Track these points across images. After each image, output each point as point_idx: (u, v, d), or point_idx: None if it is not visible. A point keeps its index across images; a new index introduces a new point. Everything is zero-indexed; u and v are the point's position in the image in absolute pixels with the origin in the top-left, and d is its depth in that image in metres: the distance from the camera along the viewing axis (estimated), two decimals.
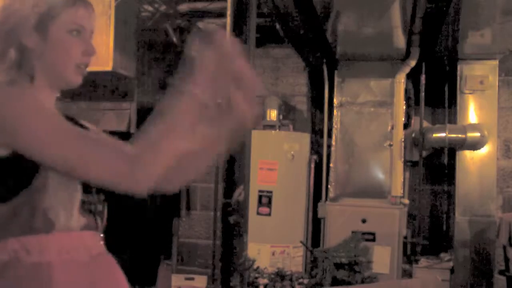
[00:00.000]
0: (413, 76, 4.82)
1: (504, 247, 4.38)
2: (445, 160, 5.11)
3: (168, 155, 1.15)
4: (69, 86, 1.37)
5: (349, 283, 3.62)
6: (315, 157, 4.90)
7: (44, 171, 1.18)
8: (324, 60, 4.87)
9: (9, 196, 1.17)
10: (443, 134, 4.75)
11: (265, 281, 3.89)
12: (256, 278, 3.87)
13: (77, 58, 1.32)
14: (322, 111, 5.02)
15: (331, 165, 4.86)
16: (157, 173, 1.15)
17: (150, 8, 4.56)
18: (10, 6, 1.28)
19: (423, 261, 4.67)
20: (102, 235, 1.40)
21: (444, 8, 3.74)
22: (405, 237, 4.70)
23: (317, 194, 4.85)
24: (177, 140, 1.15)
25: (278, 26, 4.15)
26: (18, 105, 1.18)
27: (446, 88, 5.05)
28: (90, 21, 1.34)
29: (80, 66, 1.33)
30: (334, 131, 4.88)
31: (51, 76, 1.32)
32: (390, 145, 4.74)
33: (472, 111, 4.80)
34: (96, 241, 1.35)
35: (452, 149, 4.86)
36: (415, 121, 4.94)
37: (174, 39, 4.90)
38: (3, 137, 1.16)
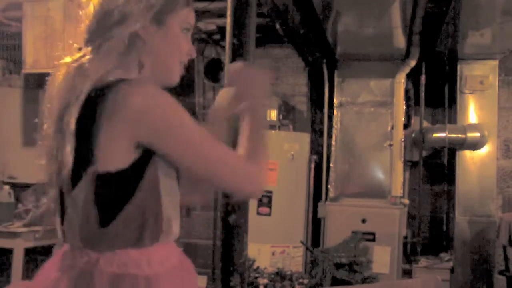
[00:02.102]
0: (413, 76, 4.82)
1: (504, 247, 4.38)
2: (445, 160, 5.11)
3: (266, 166, 1.37)
4: (169, 83, 1.32)
5: (349, 283, 3.62)
6: (315, 157, 4.90)
7: (151, 181, 1.17)
8: (324, 60, 4.87)
9: (118, 209, 1.15)
10: (443, 134, 4.75)
11: (265, 281, 3.89)
12: (256, 278, 3.86)
13: (183, 56, 1.31)
14: (322, 111, 5.02)
15: (331, 165, 4.86)
16: (264, 181, 1.33)
17: None
18: None
19: (423, 261, 4.67)
20: None
21: (444, 8, 3.74)
22: (405, 237, 4.70)
23: (317, 194, 4.85)
24: (265, 151, 1.39)
25: (278, 26, 4.15)
26: (168, 106, 1.17)
27: (446, 88, 5.05)
28: (194, 21, 1.35)
29: (182, 64, 1.32)
30: (334, 131, 4.88)
31: (158, 71, 1.28)
32: (390, 145, 4.74)
33: (472, 111, 4.80)
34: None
35: (452, 149, 4.86)
36: (415, 121, 4.94)
37: None
38: (149, 135, 1.15)
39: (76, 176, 1.18)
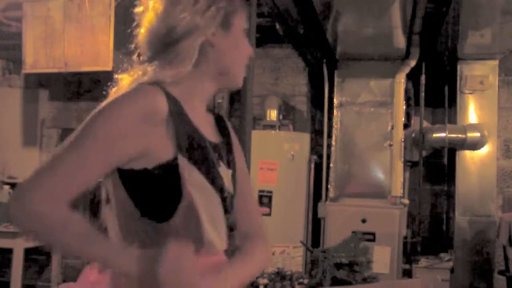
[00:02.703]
0: (413, 76, 4.82)
1: (504, 247, 4.38)
2: (445, 160, 5.11)
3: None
4: (233, 86, 1.30)
5: (349, 283, 3.62)
6: (315, 157, 4.90)
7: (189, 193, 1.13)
8: (324, 60, 4.87)
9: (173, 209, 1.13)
10: (443, 134, 4.75)
11: (265, 281, 3.89)
12: (256, 278, 3.87)
13: (246, 59, 1.28)
14: (322, 111, 5.02)
15: (331, 165, 4.85)
16: None
17: None
18: (196, 3, 1.21)
19: (423, 261, 4.67)
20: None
21: (444, 8, 3.74)
22: (405, 237, 4.70)
23: (317, 194, 4.85)
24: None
25: (278, 26, 4.15)
26: (104, 114, 1.13)
27: (446, 88, 5.05)
28: None
29: (246, 67, 1.29)
30: (334, 131, 4.88)
31: (223, 72, 1.25)
32: (390, 145, 4.74)
33: (472, 111, 4.80)
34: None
35: (452, 149, 4.85)
36: (415, 121, 4.94)
37: None
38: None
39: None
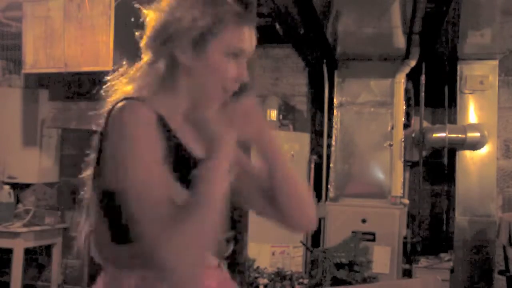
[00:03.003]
0: (413, 76, 4.82)
1: (504, 247, 4.38)
2: (445, 160, 5.11)
3: (196, 237, 1.05)
4: (208, 106, 1.23)
5: (349, 283, 3.62)
6: (315, 157, 4.90)
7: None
8: (324, 60, 4.87)
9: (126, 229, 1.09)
10: (443, 134, 4.75)
11: (265, 281, 3.89)
12: (256, 278, 3.87)
13: (227, 83, 1.20)
14: (322, 111, 5.02)
15: (331, 165, 4.85)
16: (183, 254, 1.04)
17: None
18: (172, 13, 1.19)
19: (423, 261, 4.67)
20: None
21: (444, 8, 3.74)
22: (405, 237, 4.70)
23: (317, 194, 4.85)
24: (208, 218, 1.08)
25: (278, 26, 4.15)
26: (124, 137, 1.10)
27: (446, 88, 5.04)
28: (251, 44, 1.23)
29: (227, 90, 1.20)
30: (334, 131, 4.88)
31: (195, 95, 1.22)
32: (390, 145, 4.74)
33: (472, 111, 4.80)
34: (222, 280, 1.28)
35: (452, 149, 4.85)
36: (415, 121, 4.94)
37: None
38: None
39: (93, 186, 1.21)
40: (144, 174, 1.07)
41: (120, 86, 1.25)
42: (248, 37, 1.21)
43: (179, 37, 1.17)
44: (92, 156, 1.22)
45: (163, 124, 1.15)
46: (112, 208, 1.13)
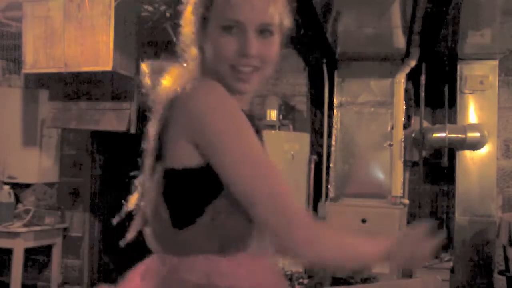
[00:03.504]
0: (413, 76, 4.82)
1: (504, 247, 4.38)
2: (445, 160, 5.11)
3: (330, 259, 1.13)
4: (233, 91, 1.15)
5: (349, 283, 3.62)
6: (315, 157, 4.90)
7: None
8: (324, 60, 4.87)
9: (193, 211, 1.09)
10: (443, 134, 4.74)
11: None
12: None
13: (230, 60, 1.13)
14: (322, 111, 5.01)
15: (331, 165, 4.85)
16: (314, 258, 1.14)
17: (150, 8, 4.56)
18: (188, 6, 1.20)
19: None
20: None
21: (444, 8, 3.74)
22: None
23: (317, 194, 4.85)
24: (347, 260, 1.17)
25: None
26: (225, 112, 1.07)
27: (446, 88, 5.04)
28: (253, 13, 1.11)
29: (237, 68, 1.13)
30: (334, 131, 4.88)
31: (217, 79, 1.15)
32: (390, 145, 4.74)
33: (472, 111, 4.80)
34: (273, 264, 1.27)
35: (452, 149, 4.85)
36: (415, 121, 4.94)
37: (174, 39, 4.89)
38: (199, 143, 1.07)
39: (152, 169, 1.17)
40: (254, 148, 1.07)
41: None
42: (244, 6, 1.11)
43: (195, 24, 1.17)
44: (151, 140, 1.16)
45: None
46: (175, 190, 1.10)
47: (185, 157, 1.08)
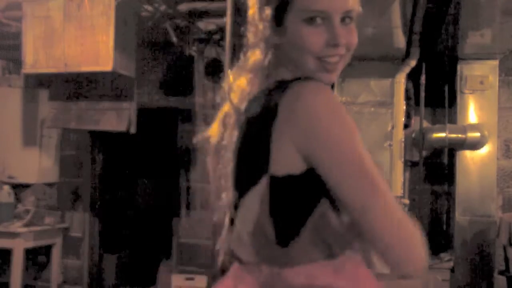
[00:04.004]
0: (413, 76, 4.82)
1: (504, 247, 4.38)
2: (445, 160, 5.11)
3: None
4: (321, 81, 1.12)
5: None
6: None
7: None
8: None
9: (298, 223, 1.06)
10: (443, 134, 4.74)
11: None
12: None
13: (317, 51, 1.09)
14: None
15: None
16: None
17: (150, 8, 4.56)
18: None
19: None
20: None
21: (444, 8, 3.74)
22: None
23: None
24: None
25: None
26: (334, 115, 1.02)
27: (446, 88, 5.04)
28: (337, 2, 1.08)
29: (325, 59, 1.11)
30: None
31: (296, 74, 1.12)
32: (390, 145, 4.74)
33: (472, 111, 4.80)
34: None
35: (452, 149, 4.85)
36: (415, 121, 4.94)
37: (174, 39, 4.90)
38: (307, 148, 1.02)
39: (250, 182, 1.09)
40: (366, 157, 1.01)
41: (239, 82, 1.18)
42: None
43: (265, 19, 1.13)
44: (250, 145, 1.11)
45: None
46: (280, 200, 1.06)
47: (289, 163, 1.04)
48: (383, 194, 1.00)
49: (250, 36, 1.18)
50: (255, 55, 1.18)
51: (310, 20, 1.08)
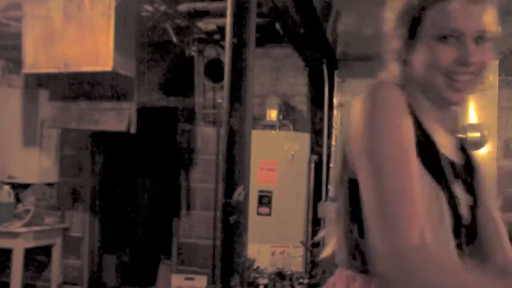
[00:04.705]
0: None
1: None
2: None
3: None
4: (446, 101, 1.12)
5: None
6: (315, 157, 4.90)
7: None
8: (324, 60, 4.87)
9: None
10: None
11: (265, 281, 3.89)
12: (256, 278, 3.87)
13: (444, 65, 1.07)
14: (322, 111, 5.01)
15: (331, 165, 4.85)
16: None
17: (150, 8, 4.56)
18: (388, 13, 1.17)
19: None
20: None
21: None
22: None
23: (317, 194, 4.85)
24: None
25: (278, 26, 4.15)
26: (377, 122, 1.00)
27: None
28: (471, 21, 1.10)
29: (453, 76, 1.08)
30: (334, 131, 4.88)
31: (422, 88, 1.13)
32: None
33: (472, 111, 4.80)
34: None
35: None
36: None
37: (174, 39, 4.90)
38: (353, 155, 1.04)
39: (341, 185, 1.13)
40: (398, 166, 0.96)
41: None
42: (462, 15, 1.09)
43: (395, 33, 1.18)
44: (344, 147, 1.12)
45: (412, 113, 1.07)
46: (354, 202, 1.05)
47: (353, 164, 1.05)
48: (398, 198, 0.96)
49: (384, 53, 1.22)
50: (386, 72, 1.22)
51: (442, 38, 1.08)
